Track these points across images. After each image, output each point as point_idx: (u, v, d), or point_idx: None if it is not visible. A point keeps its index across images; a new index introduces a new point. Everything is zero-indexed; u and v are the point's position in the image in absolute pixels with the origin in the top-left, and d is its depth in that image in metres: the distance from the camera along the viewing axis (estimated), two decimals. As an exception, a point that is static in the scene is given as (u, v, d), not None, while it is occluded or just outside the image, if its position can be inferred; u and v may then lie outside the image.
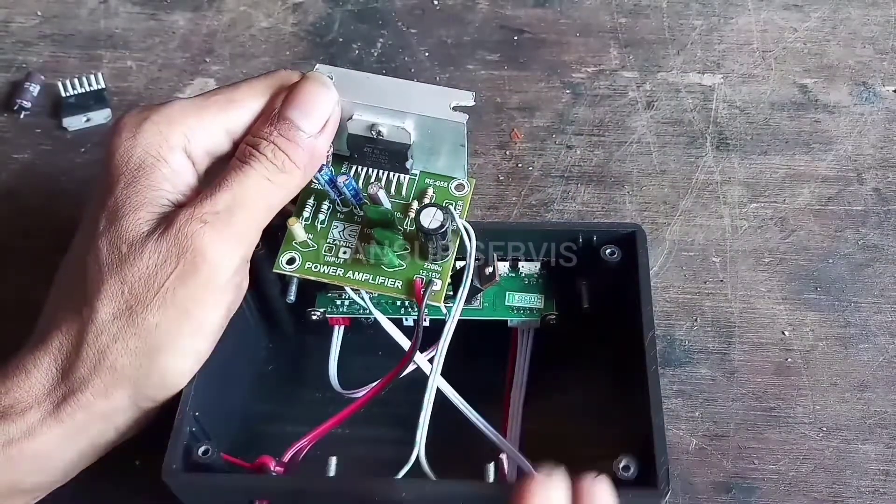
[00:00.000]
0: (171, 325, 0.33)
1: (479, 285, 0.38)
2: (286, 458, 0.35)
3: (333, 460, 0.35)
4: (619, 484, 0.30)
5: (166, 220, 0.33)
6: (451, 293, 0.36)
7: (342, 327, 0.39)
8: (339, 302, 0.39)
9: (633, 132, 0.51)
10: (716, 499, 0.38)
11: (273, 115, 0.35)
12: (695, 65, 0.54)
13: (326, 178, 0.36)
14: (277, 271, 0.36)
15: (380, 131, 0.36)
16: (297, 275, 0.36)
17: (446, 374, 0.35)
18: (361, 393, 0.37)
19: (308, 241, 0.36)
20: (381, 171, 0.37)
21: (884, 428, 0.41)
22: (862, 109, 0.51)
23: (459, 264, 0.36)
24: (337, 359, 0.38)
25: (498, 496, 0.32)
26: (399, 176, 0.37)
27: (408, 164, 0.37)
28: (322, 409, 0.37)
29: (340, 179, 0.36)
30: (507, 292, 0.39)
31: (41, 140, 0.51)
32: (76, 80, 0.52)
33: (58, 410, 0.33)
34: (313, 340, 0.40)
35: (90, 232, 0.34)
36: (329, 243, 0.36)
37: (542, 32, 0.56)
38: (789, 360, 0.43)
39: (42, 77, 0.53)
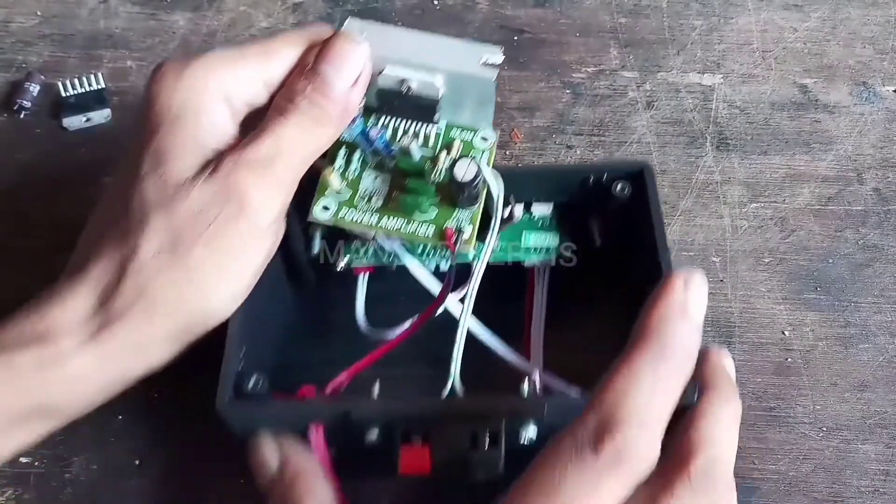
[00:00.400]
0: (213, 264, 0.34)
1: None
2: (327, 391, 0.37)
3: (377, 384, 0.36)
4: None
5: (211, 165, 0.35)
6: (478, 238, 0.38)
7: (367, 274, 0.40)
8: (362, 251, 0.40)
9: (633, 132, 0.51)
10: (716, 499, 0.38)
11: (307, 69, 0.36)
12: (695, 65, 0.54)
13: (359, 130, 0.38)
14: (312, 220, 0.37)
15: (410, 86, 0.37)
16: (332, 223, 0.37)
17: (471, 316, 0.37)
18: (392, 334, 0.38)
19: (342, 189, 0.38)
20: (409, 123, 0.39)
21: (884, 428, 0.41)
22: (862, 109, 0.51)
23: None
24: (364, 304, 0.39)
25: (534, 409, 0.34)
26: (427, 127, 0.39)
27: (435, 117, 0.38)
28: (352, 354, 0.38)
29: (373, 132, 0.38)
30: (524, 232, 0.41)
31: (41, 140, 0.51)
32: (76, 80, 0.52)
33: (93, 339, 0.34)
34: (338, 292, 0.41)
35: (133, 173, 0.35)
36: (362, 191, 0.38)
37: (542, 32, 0.56)
38: (789, 360, 0.43)
39: (42, 77, 0.53)
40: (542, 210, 0.41)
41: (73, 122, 0.51)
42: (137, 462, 0.40)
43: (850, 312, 0.44)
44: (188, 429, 0.41)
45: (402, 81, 0.37)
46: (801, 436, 0.41)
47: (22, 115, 0.52)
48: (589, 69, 0.54)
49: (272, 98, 0.37)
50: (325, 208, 0.37)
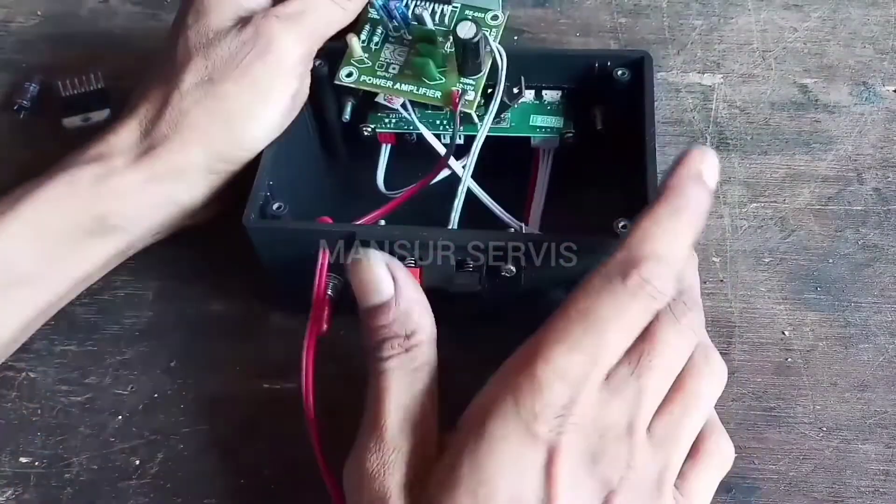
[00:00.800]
0: (244, 93, 0.40)
1: (507, 101, 0.43)
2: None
3: (382, 221, 0.41)
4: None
5: (246, 19, 0.41)
6: (484, 111, 0.42)
7: (389, 146, 0.45)
8: (387, 120, 0.45)
9: (633, 132, 0.51)
10: (716, 499, 0.38)
11: None
12: (695, 65, 0.54)
13: (380, 3, 0.43)
14: (338, 83, 0.43)
15: None
16: (353, 85, 0.43)
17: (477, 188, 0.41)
18: (404, 191, 0.42)
19: (364, 58, 0.43)
20: (426, 2, 0.44)
21: (884, 428, 0.41)
22: (862, 109, 0.51)
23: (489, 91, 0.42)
24: (385, 170, 0.44)
25: (523, 244, 0.38)
26: (442, 7, 0.44)
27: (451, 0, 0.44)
28: (371, 209, 0.41)
29: (391, 4, 0.43)
30: (531, 115, 0.45)
31: (41, 140, 0.51)
32: (76, 80, 0.52)
33: (139, 159, 0.40)
34: (363, 159, 0.45)
35: (179, 25, 0.42)
36: (381, 61, 0.43)
37: (542, 32, 0.56)
38: (789, 359, 0.43)
39: (42, 77, 0.53)
40: (551, 95, 0.45)
41: (73, 122, 0.51)
42: (137, 462, 0.40)
43: (850, 312, 0.44)
44: (188, 429, 0.41)
45: None
46: (801, 436, 0.41)
47: (22, 115, 0.52)
48: (589, 69, 0.54)
49: None
50: (349, 74, 0.43)
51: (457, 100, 0.41)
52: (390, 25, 0.43)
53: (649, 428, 0.32)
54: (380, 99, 0.44)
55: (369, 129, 0.44)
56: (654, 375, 0.32)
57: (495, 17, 0.44)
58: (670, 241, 0.33)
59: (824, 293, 0.45)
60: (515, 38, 0.55)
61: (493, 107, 0.41)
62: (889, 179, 0.49)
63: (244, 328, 0.44)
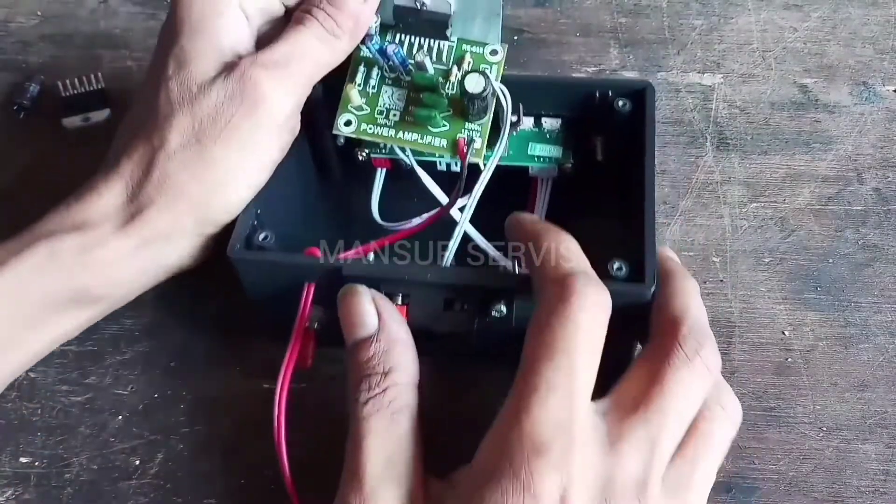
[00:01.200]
0: (233, 157, 0.38)
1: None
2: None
3: (371, 255, 0.40)
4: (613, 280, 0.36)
5: (230, 66, 0.38)
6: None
7: (384, 170, 0.43)
8: (382, 144, 0.42)
9: (633, 132, 0.51)
10: (716, 499, 0.38)
11: None
12: (695, 65, 0.54)
13: (377, 47, 0.40)
14: (336, 132, 0.41)
15: (423, 2, 0.40)
16: (353, 136, 0.40)
17: (472, 217, 0.40)
18: (400, 227, 0.41)
19: (362, 104, 0.41)
20: (423, 39, 0.42)
21: (884, 428, 0.41)
22: (862, 109, 0.51)
23: None
24: (379, 195, 0.43)
25: (512, 286, 0.37)
26: (439, 43, 0.42)
27: (447, 33, 0.41)
28: (362, 240, 0.40)
29: (390, 49, 0.40)
30: (530, 143, 0.43)
31: (41, 140, 0.51)
32: (76, 80, 0.52)
33: (126, 225, 0.38)
34: (358, 183, 0.44)
35: (159, 75, 0.39)
36: (381, 107, 0.41)
37: (542, 32, 0.56)
38: (789, 359, 0.43)
39: (42, 77, 0.53)
40: (550, 124, 0.44)
41: (73, 122, 0.51)
42: (137, 462, 0.40)
43: (850, 312, 0.44)
44: (188, 429, 0.41)
45: None
46: (801, 436, 0.41)
47: (22, 115, 0.52)
48: (589, 69, 0.54)
49: (287, 11, 0.41)
50: (348, 123, 0.40)
51: (464, 149, 0.39)
52: (386, 67, 0.41)
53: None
54: None
55: (364, 154, 0.43)
56: (668, 422, 0.32)
57: (494, 53, 0.41)
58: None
59: (824, 293, 0.45)
60: (515, 38, 0.55)
61: (499, 148, 0.40)
62: (889, 179, 0.49)
63: (244, 328, 0.44)
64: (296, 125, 0.40)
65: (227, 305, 0.45)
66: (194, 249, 0.40)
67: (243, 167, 0.38)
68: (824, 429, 0.41)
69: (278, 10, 0.41)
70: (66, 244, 0.37)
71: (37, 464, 0.40)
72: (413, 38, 0.42)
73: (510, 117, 0.40)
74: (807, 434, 0.41)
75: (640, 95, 0.42)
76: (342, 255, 0.38)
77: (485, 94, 0.38)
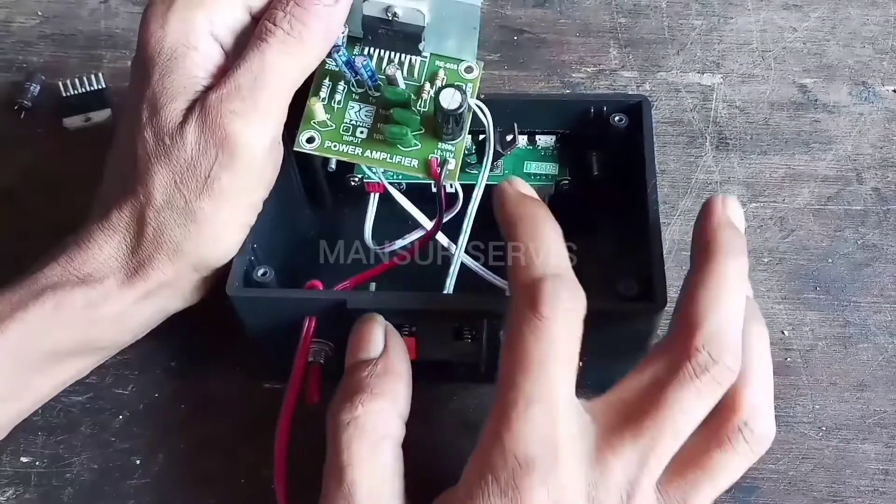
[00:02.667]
0: (220, 208, 0.37)
1: (500, 150, 0.39)
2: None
3: (373, 285, 0.39)
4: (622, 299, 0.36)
5: (199, 103, 0.36)
6: (476, 161, 0.40)
7: (378, 194, 0.41)
8: (374, 168, 0.41)
9: (632, 132, 0.51)
10: (715, 498, 0.38)
11: None
12: (694, 65, 0.54)
13: (343, 59, 0.38)
14: (298, 150, 0.38)
15: (395, 13, 0.37)
16: (317, 153, 0.38)
17: (471, 237, 0.38)
18: (392, 249, 0.40)
19: (326, 120, 0.38)
20: (393, 53, 0.39)
21: (883, 427, 0.41)
22: (861, 109, 0.52)
23: (480, 137, 0.39)
24: (373, 222, 0.40)
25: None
26: (411, 58, 0.39)
27: (420, 47, 0.38)
28: (359, 268, 0.39)
29: (358, 61, 0.38)
30: (525, 161, 0.43)
31: (41, 140, 0.51)
32: (76, 80, 0.52)
33: (130, 280, 0.37)
34: (350, 209, 0.43)
35: (134, 121, 0.37)
36: (347, 123, 0.38)
37: (542, 32, 0.56)
38: (789, 359, 0.43)
39: (42, 77, 0.53)
40: (545, 141, 0.43)
41: (74, 122, 0.51)
42: (137, 462, 0.40)
43: (849, 312, 0.44)
44: (188, 429, 0.41)
45: (388, 8, 0.37)
46: (801, 435, 0.41)
47: (22, 115, 0.52)
48: (589, 69, 0.54)
49: (256, 20, 0.38)
50: (311, 139, 0.38)
51: (437, 169, 0.37)
52: (353, 80, 0.39)
53: (659, 484, 0.31)
54: None
55: (356, 179, 0.42)
56: (662, 440, 0.31)
57: (469, 70, 0.39)
58: (730, 320, 0.31)
59: (823, 293, 0.45)
60: (515, 38, 0.55)
61: (486, 165, 0.38)
62: (888, 179, 0.49)
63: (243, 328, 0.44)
64: (278, 155, 0.38)
65: (228, 305, 0.45)
66: (196, 291, 0.40)
67: (232, 214, 0.37)
68: (824, 428, 0.41)
69: (247, 22, 0.38)
70: (73, 298, 0.37)
71: (37, 463, 0.41)
72: (383, 51, 0.39)
73: (493, 134, 0.38)
74: (806, 434, 0.41)
75: (637, 110, 0.41)
76: (341, 286, 0.38)
77: (461, 110, 0.36)
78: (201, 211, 0.36)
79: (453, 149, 0.38)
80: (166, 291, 0.38)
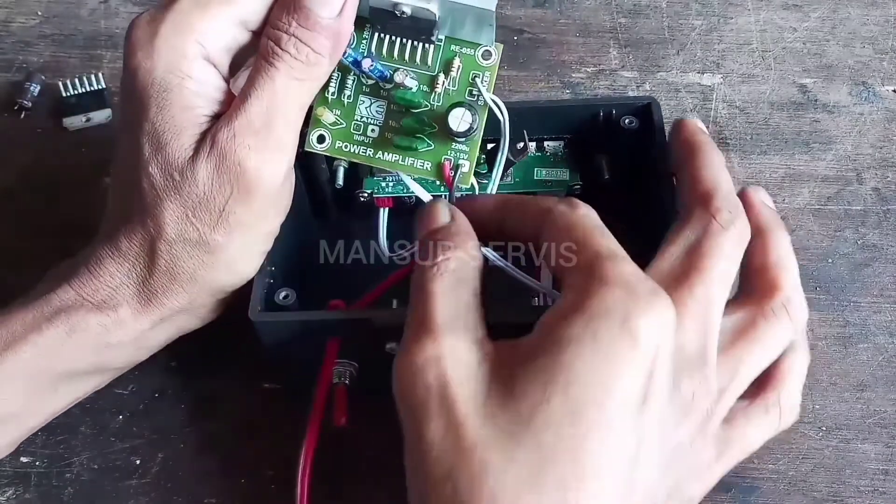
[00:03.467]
0: (236, 241, 0.36)
1: (511, 158, 0.38)
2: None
3: (395, 301, 0.38)
4: None
5: (210, 138, 0.34)
6: (487, 170, 0.39)
7: (387, 209, 0.40)
8: (384, 183, 0.41)
9: (632, 132, 0.51)
10: (715, 498, 0.38)
11: (289, 3, 0.34)
12: (694, 65, 0.54)
13: (350, 59, 0.36)
14: (308, 150, 0.37)
15: (403, 11, 0.35)
16: (328, 153, 0.37)
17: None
18: (413, 250, 0.38)
19: (337, 119, 0.37)
20: (404, 39, 0.37)
21: (883, 427, 0.41)
22: (861, 109, 0.52)
23: (489, 146, 0.38)
24: (386, 232, 0.39)
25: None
26: (423, 45, 0.37)
27: (433, 37, 0.36)
28: (361, 269, 0.39)
29: (365, 63, 0.36)
30: (535, 168, 0.42)
31: (41, 140, 0.51)
32: (76, 80, 0.52)
33: (145, 308, 0.37)
34: (359, 225, 0.42)
35: (137, 155, 0.35)
36: (357, 121, 0.37)
37: (542, 32, 0.56)
38: (789, 359, 0.43)
39: (42, 77, 0.53)
40: (553, 147, 0.43)
41: (74, 122, 0.51)
42: (137, 462, 0.40)
43: (849, 312, 0.44)
44: (188, 429, 0.41)
45: (395, 6, 0.35)
46: (801, 435, 0.41)
47: (22, 115, 0.52)
48: (588, 69, 0.54)
49: (256, 34, 0.36)
50: (321, 138, 0.37)
51: (449, 174, 0.36)
52: (362, 75, 0.37)
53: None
54: None
55: (366, 195, 0.41)
56: (714, 290, 0.33)
57: (487, 55, 0.37)
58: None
59: (823, 293, 0.45)
60: (515, 38, 0.55)
61: (498, 169, 0.37)
62: (888, 179, 0.49)
63: (244, 328, 0.44)
64: (292, 182, 0.37)
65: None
66: (212, 312, 0.39)
67: (248, 243, 0.37)
68: (824, 428, 0.41)
69: (245, 38, 0.36)
70: (87, 324, 0.36)
71: (37, 463, 0.41)
72: (394, 37, 0.37)
73: (508, 135, 0.37)
74: (806, 434, 0.41)
75: (646, 111, 0.41)
76: (360, 303, 0.37)
77: (472, 133, 0.35)
78: (216, 242, 0.35)
79: (467, 150, 0.37)
80: (182, 316, 0.38)
